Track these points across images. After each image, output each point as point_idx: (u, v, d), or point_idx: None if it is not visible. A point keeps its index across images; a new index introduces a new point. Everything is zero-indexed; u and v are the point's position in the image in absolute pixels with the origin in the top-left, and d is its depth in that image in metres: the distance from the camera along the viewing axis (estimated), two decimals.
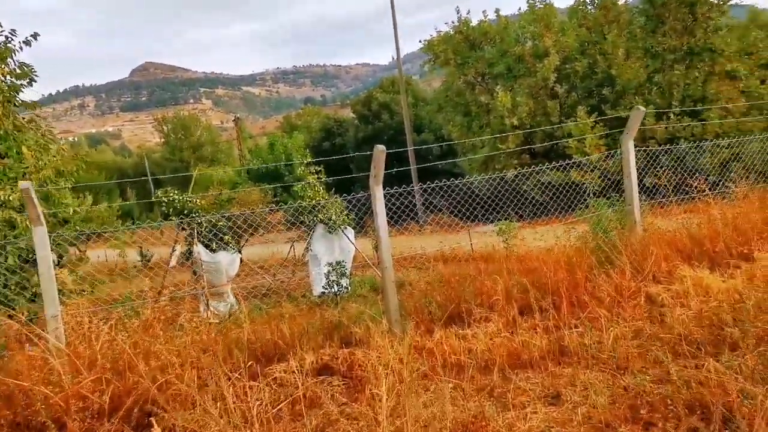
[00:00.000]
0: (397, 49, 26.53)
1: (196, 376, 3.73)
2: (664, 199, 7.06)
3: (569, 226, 6.96)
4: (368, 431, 3.18)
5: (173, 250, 9.71)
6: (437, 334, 4.57)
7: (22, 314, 4.91)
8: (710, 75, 19.81)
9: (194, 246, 9.61)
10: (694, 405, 3.11)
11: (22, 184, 4.14)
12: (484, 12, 23.81)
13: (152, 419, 3.25)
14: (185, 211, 9.60)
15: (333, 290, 8.78)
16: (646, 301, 4.83)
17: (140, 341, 3.83)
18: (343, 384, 4.01)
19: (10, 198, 6.95)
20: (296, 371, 4.04)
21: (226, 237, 9.91)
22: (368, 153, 5.46)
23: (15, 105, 8.06)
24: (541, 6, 21.62)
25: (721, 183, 8.81)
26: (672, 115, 18.38)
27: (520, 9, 22.42)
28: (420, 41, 23.91)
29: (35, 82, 8.09)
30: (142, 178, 41.20)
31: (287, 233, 17.49)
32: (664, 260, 5.28)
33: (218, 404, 3.26)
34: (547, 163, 7.25)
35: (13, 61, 7.89)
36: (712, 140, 15.60)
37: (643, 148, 7.91)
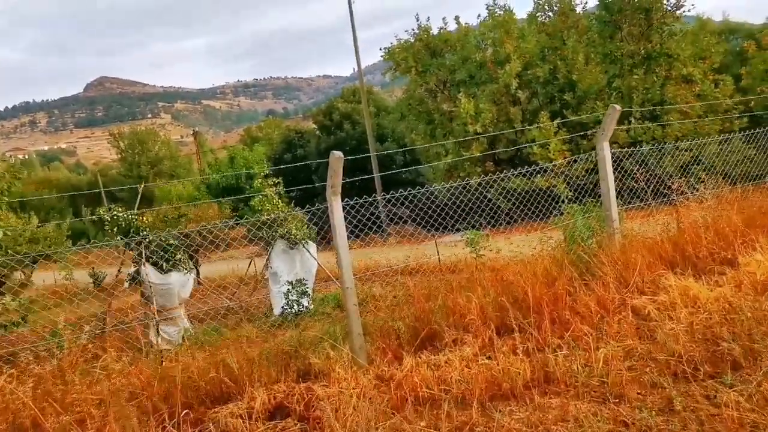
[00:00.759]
0: (357, 57, 26.16)
1: (122, 429, 3.12)
2: (642, 203, 6.75)
3: (542, 233, 6.58)
4: None
5: (119, 272, 8.95)
6: (407, 362, 4.06)
7: None
8: (667, 79, 20.08)
9: (142, 267, 8.87)
10: None
11: None
12: (443, 19, 23.65)
13: None
14: (131, 230, 8.86)
15: (293, 310, 8.18)
16: (632, 314, 4.44)
17: (53, 389, 3.19)
18: (299, 428, 3.46)
19: None
20: (244, 416, 3.47)
21: (178, 256, 9.20)
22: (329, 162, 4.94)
23: None
24: (501, 12, 21.58)
25: (685, 185, 8.62)
26: (633, 119, 18.48)
27: (479, 16, 22.34)
28: (381, 49, 23.60)
29: None
30: (93, 191, 39.49)
31: (249, 248, 16.77)
32: (647, 269, 4.92)
33: None
34: (512, 170, 6.86)
35: None
36: (673, 143, 15.73)
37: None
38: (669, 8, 20.42)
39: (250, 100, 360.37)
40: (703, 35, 21.63)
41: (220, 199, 21.72)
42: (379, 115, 30.45)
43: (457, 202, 8.17)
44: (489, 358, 4.07)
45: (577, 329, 4.26)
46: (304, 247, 10.32)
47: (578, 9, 22.54)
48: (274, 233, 10.26)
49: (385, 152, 22.90)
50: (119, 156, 66.36)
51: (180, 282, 9.25)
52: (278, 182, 10.34)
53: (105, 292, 12.96)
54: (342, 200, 5.70)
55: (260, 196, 9.98)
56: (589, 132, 18.33)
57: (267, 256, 10.57)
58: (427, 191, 6.80)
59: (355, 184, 22.88)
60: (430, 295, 4.63)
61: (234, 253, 18.46)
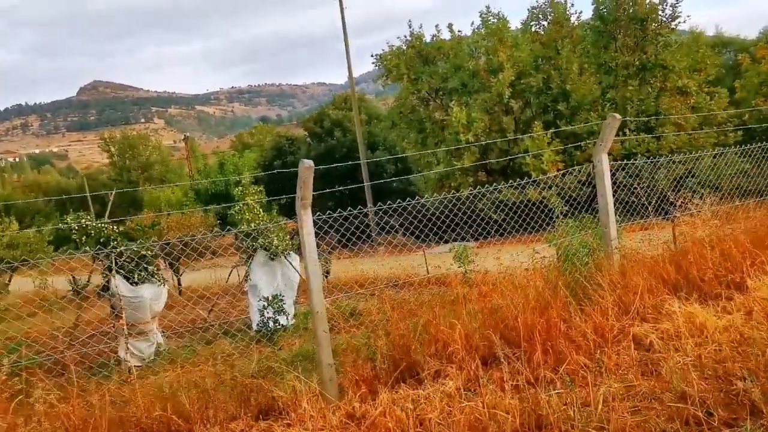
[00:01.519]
0: (348, 63, 25.81)
1: None
2: (642, 219, 6.35)
3: (532, 248, 6.16)
4: None
5: (87, 283, 8.44)
6: (382, 397, 3.61)
7: None
8: (662, 91, 19.81)
9: (112, 278, 8.37)
10: None
11: None
12: (436, 26, 23.36)
13: None
14: (101, 239, 8.35)
15: (269, 328, 7.71)
16: (633, 344, 4.02)
17: None
18: None
19: None
20: None
21: (151, 267, 8.70)
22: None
23: None
24: (495, 21, 21.28)
25: (687, 200, 8.25)
26: (627, 131, 18.18)
27: (473, 23, 22.04)
28: (372, 55, 23.22)
29: None
30: (80, 194, 38.81)
31: (236, 257, 16.23)
32: (648, 292, 4.50)
33: None
34: (503, 182, 6.46)
35: None
36: (668, 156, 15.42)
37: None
38: (664, 19, 20.20)
39: (245, 106, 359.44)
40: (698, 47, 21.44)
41: (206, 206, 21.20)
42: (371, 123, 30.10)
43: (447, 212, 7.78)
44: (474, 391, 3.64)
45: (573, 361, 3.83)
46: (286, 259, 9.85)
47: (573, 19, 22.31)
48: (254, 243, 9.79)
49: (377, 159, 22.49)
50: (110, 160, 65.78)
51: (152, 294, 8.74)
52: (260, 190, 9.87)
53: (86, 302, 12.40)
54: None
55: (240, 205, 9.50)
56: (582, 143, 18.02)
57: (246, 268, 10.09)
58: (418, 203, 6.41)
59: (345, 193, 22.50)
60: (411, 314, 4.19)
61: (220, 261, 17.93)
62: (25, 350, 7.70)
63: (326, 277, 13.19)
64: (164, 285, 8.89)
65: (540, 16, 22.44)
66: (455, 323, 3.95)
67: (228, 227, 8.90)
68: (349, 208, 5.45)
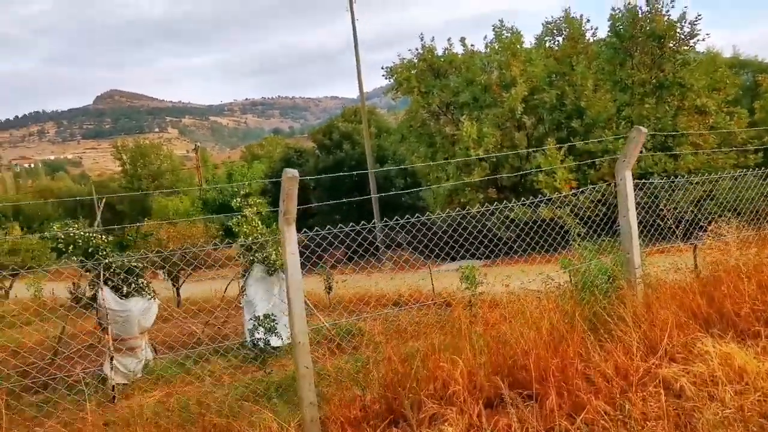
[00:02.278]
0: (359, 74, 25.53)
1: None
2: (668, 243, 5.83)
3: (545, 273, 5.66)
4: None
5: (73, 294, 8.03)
6: None
7: None
8: (680, 109, 19.28)
9: (99, 291, 7.96)
10: None
11: None
12: (449, 40, 23.06)
13: None
14: (90, 249, 7.95)
15: (259, 347, 7.23)
16: (662, 388, 3.49)
17: None
18: None
19: None
20: None
21: (141, 280, 8.28)
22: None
23: None
24: (508, 35, 20.90)
25: (697, 222, 7.69)
26: (644, 150, 17.63)
27: (486, 37, 21.67)
28: (383, 67, 22.89)
29: None
30: (81, 197, 38.76)
31: (239, 268, 15.81)
32: (677, 328, 3.98)
33: None
34: (515, 199, 6.00)
35: None
36: (685, 176, 14.84)
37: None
38: (683, 37, 19.73)
39: (258, 117, 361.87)
40: (716, 67, 20.92)
41: (209, 215, 20.85)
42: (381, 136, 29.75)
43: (457, 228, 7.34)
44: None
45: (592, 408, 3.31)
46: (284, 273, 9.39)
47: (588, 35, 21.89)
48: (252, 257, 9.36)
49: (385, 169, 22.07)
50: (121, 168, 66.11)
51: (140, 308, 8.31)
52: (259, 202, 9.45)
53: (72, 312, 12.01)
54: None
55: (238, 217, 9.09)
56: (597, 161, 17.47)
57: (243, 282, 9.65)
58: (428, 220, 5.97)
59: (353, 206, 22.07)
60: (407, 355, 3.70)
61: (224, 272, 17.54)
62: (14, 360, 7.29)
63: (328, 293, 12.73)
64: (155, 299, 8.46)
65: (555, 31, 22.07)
66: (457, 360, 3.46)
67: (227, 240, 8.49)
68: (351, 223, 5.08)
